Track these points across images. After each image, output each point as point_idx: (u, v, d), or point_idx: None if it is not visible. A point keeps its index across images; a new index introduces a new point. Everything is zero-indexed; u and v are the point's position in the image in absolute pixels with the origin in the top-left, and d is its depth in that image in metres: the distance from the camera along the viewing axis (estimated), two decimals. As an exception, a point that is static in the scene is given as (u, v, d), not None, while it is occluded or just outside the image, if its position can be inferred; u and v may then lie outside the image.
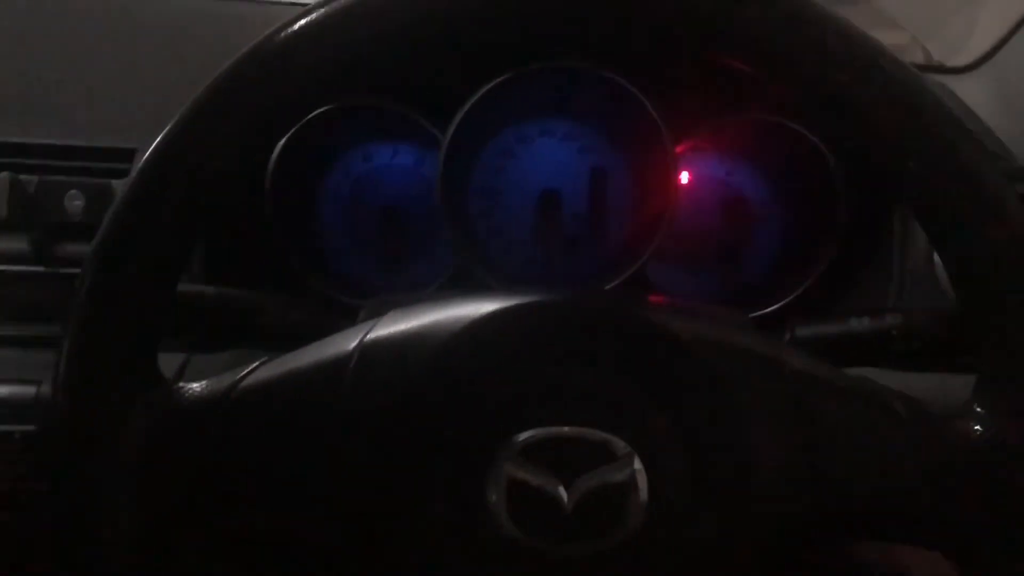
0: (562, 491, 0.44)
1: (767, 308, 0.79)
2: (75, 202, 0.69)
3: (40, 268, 0.70)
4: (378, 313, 0.49)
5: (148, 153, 0.44)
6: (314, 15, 0.43)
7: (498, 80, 0.75)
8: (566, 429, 0.44)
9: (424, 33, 0.44)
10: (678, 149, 0.78)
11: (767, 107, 0.77)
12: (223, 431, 0.46)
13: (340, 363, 0.46)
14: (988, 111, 0.91)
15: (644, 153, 0.81)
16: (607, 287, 0.78)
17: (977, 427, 0.45)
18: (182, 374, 0.68)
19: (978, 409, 0.46)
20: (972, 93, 0.94)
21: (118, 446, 0.45)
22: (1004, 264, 0.44)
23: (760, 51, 0.44)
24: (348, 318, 0.56)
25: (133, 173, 0.45)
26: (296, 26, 0.44)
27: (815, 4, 0.44)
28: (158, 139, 0.44)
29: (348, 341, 0.47)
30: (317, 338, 0.49)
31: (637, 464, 0.44)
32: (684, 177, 0.86)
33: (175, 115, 0.44)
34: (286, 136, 0.76)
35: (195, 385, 0.47)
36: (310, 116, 0.74)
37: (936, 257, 0.75)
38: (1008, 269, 0.44)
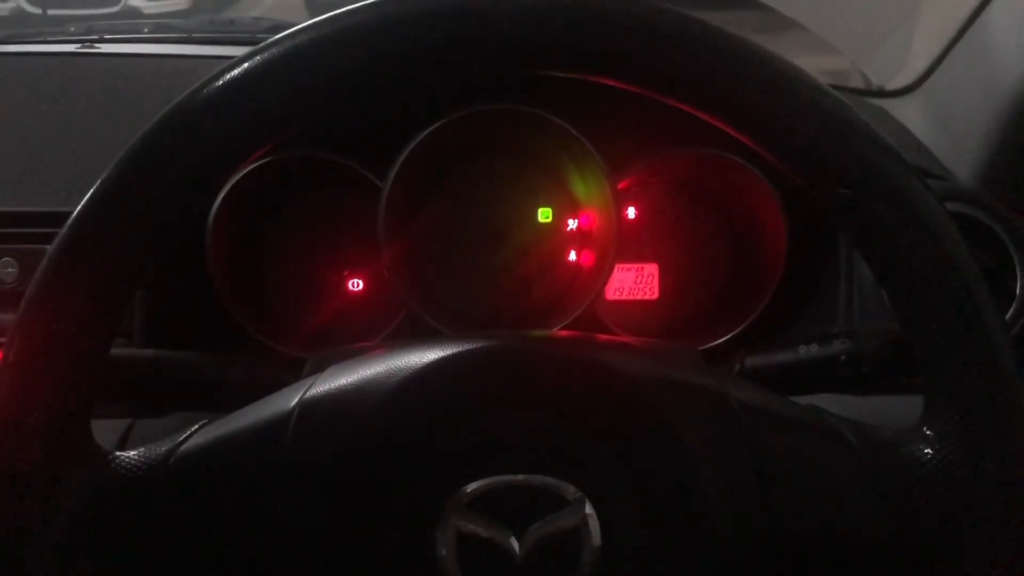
0: (513, 541, 0.43)
1: (717, 340, 0.79)
2: (8, 269, 0.67)
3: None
4: (321, 367, 0.48)
5: (73, 215, 0.43)
6: (235, 71, 0.43)
7: (434, 126, 0.75)
8: (514, 477, 0.43)
9: (346, 87, 0.43)
10: (621, 185, 0.79)
11: (707, 140, 0.77)
12: (162, 501, 0.44)
13: (279, 423, 0.45)
14: (925, 132, 0.92)
15: (588, 190, 0.81)
16: (558, 327, 0.77)
17: (927, 451, 0.45)
18: (125, 441, 0.66)
19: (927, 432, 0.46)
20: (910, 115, 0.96)
21: (49, 524, 0.43)
22: (942, 286, 0.44)
23: (696, 94, 0.44)
24: (294, 371, 0.55)
25: (59, 236, 0.43)
26: (220, 81, 0.43)
27: (742, 40, 0.44)
28: (84, 200, 0.43)
29: (287, 400, 0.46)
30: (260, 396, 0.47)
31: (588, 508, 0.43)
32: (631, 212, 0.87)
33: (101, 173, 0.43)
34: (225, 189, 0.75)
35: (132, 454, 0.46)
36: (248, 168, 0.74)
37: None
38: (946, 291, 0.44)
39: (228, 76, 0.43)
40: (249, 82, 0.43)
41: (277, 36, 0.43)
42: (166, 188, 0.43)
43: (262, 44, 0.43)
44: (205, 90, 0.43)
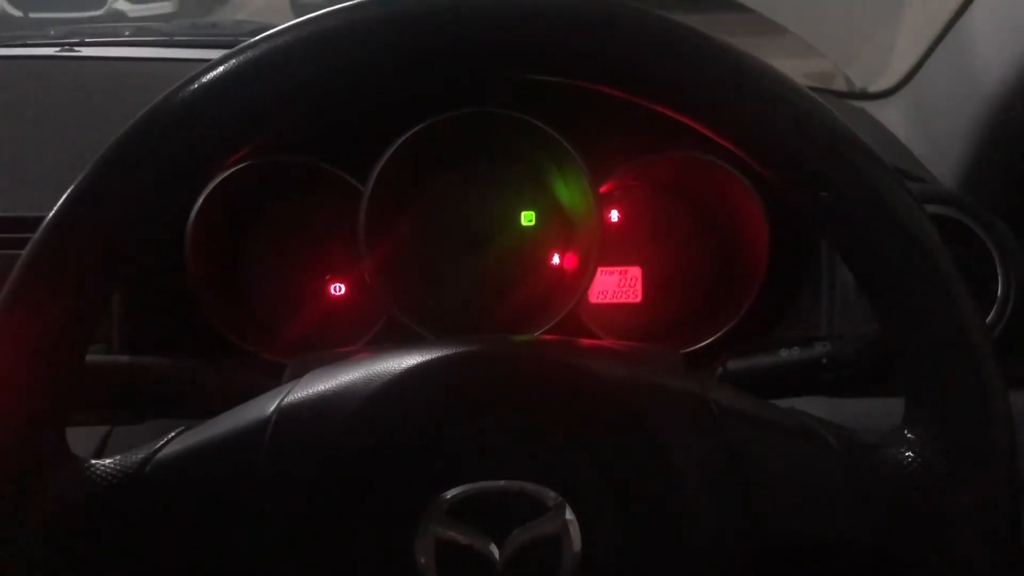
0: (493, 548, 0.43)
1: (700, 343, 0.79)
2: (-18, 275, 0.66)
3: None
4: (300, 373, 0.47)
5: (46, 220, 0.43)
6: (210, 74, 0.42)
7: (414, 130, 0.75)
8: (494, 483, 0.43)
9: (321, 90, 0.43)
10: (604, 188, 0.79)
11: (690, 144, 0.77)
12: (138, 509, 0.44)
13: (257, 429, 0.44)
14: (907, 134, 0.93)
15: (571, 194, 0.81)
16: (540, 331, 0.77)
17: (908, 453, 0.45)
18: (103, 449, 0.65)
19: (908, 435, 0.46)
20: (892, 117, 0.97)
21: (20, 532, 0.43)
22: (922, 290, 0.44)
23: (677, 98, 0.44)
24: (275, 377, 0.54)
25: (31, 242, 0.43)
26: (194, 85, 0.43)
27: (723, 43, 0.44)
28: (56, 205, 0.43)
29: (266, 406, 0.45)
30: (239, 402, 0.47)
31: (568, 514, 0.43)
32: (614, 215, 0.87)
33: (77, 177, 0.43)
34: (205, 193, 0.75)
35: (108, 461, 0.45)
36: (228, 172, 0.73)
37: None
38: (926, 295, 0.44)
39: (203, 80, 0.43)
40: (225, 86, 0.43)
41: (253, 39, 0.43)
42: (141, 193, 0.43)
43: (238, 47, 0.43)
44: (180, 94, 0.43)
